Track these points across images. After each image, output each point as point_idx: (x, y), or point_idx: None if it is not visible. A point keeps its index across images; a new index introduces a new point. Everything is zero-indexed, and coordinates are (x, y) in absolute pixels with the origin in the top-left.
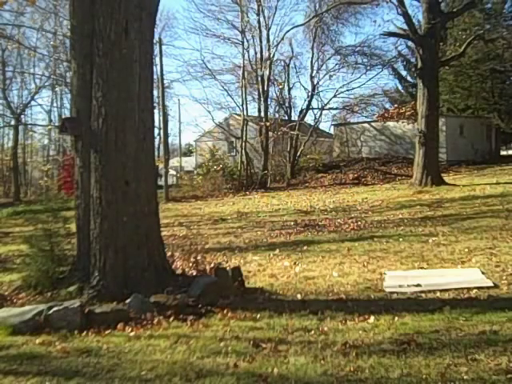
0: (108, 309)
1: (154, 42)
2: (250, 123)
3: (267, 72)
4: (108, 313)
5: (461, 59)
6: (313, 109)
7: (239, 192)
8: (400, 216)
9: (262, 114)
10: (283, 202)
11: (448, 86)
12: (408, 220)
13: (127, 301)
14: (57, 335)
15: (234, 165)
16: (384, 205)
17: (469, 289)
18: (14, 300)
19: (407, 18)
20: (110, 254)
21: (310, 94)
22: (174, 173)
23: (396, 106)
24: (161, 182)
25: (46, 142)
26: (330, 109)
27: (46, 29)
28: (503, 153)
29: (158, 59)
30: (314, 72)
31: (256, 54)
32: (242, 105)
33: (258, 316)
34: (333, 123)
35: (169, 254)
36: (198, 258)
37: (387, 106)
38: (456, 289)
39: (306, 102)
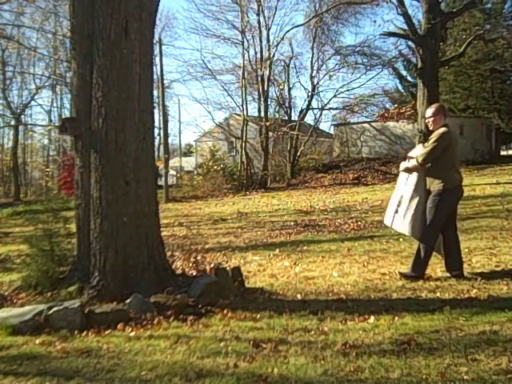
0: (108, 309)
1: (154, 42)
2: (250, 123)
3: (267, 72)
4: (108, 313)
5: (461, 59)
6: (313, 109)
7: (239, 192)
8: None
9: (262, 114)
10: (283, 202)
11: (448, 86)
12: None
13: (127, 301)
14: (57, 335)
15: (234, 165)
16: (384, 205)
17: (469, 291)
18: (14, 300)
19: (407, 18)
20: (109, 254)
21: (309, 93)
22: (174, 173)
23: (396, 106)
24: (161, 182)
25: (45, 142)
26: (330, 109)
27: (46, 29)
28: (503, 153)
29: (158, 59)
30: (314, 72)
31: (256, 53)
32: (242, 105)
33: (258, 316)
34: (333, 123)
35: (169, 254)
36: (198, 258)
37: (387, 106)
38: None
39: (306, 102)
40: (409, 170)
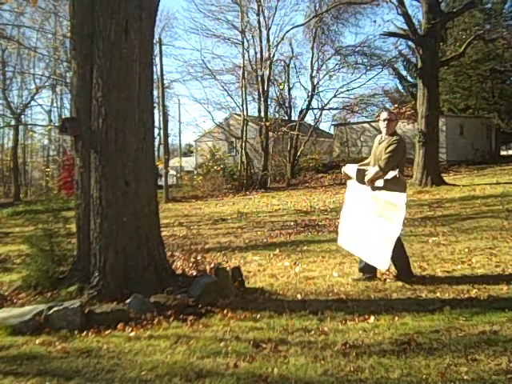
0: (108, 309)
1: (154, 41)
2: (250, 123)
3: (267, 72)
4: (108, 313)
5: (461, 59)
6: (313, 109)
7: (239, 192)
8: None
9: (262, 114)
10: (283, 202)
11: (448, 86)
12: (408, 220)
13: (127, 301)
14: (57, 335)
15: (234, 165)
16: None
17: (469, 291)
18: (14, 300)
19: (407, 18)
20: (109, 254)
21: (309, 94)
22: (174, 173)
23: (396, 105)
24: (161, 182)
25: (45, 142)
26: (330, 109)
27: (46, 29)
28: (503, 153)
29: (158, 59)
30: (314, 72)
31: (256, 54)
32: (242, 105)
33: (258, 316)
34: (333, 123)
35: (169, 254)
36: (198, 258)
37: (387, 106)
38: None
39: (306, 102)
40: (372, 181)
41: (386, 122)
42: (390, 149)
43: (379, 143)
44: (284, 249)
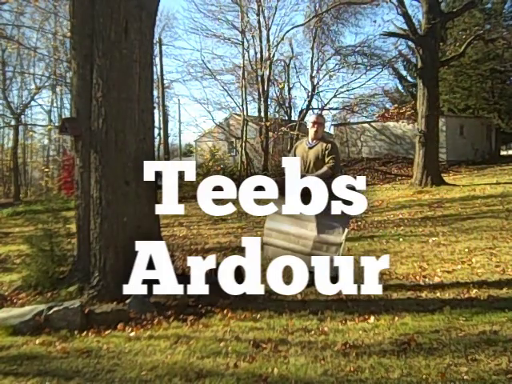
0: (108, 309)
1: (154, 42)
2: (250, 123)
3: (267, 72)
4: (108, 313)
5: (461, 59)
6: (313, 109)
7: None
8: (400, 216)
9: (262, 114)
10: None
11: (448, 85)
12: (408, 220)
13: (127, 301)
14: (57, 335)
15: (234, 165)
16: (384, 205)
17: (469, 291)
18: (14, 300)
19: (407, 18)
20: (110, 254)
21: (310, 94)
22: None
23: (396, 106)
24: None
25: (45, 142)
26: (330, 109)
27: (46, 29)
28: (503, 153)
29: (158, 59)
30: (314, 72)
31: (256, 54)
32: (242, 105)
33: (258, 316)
34: (333, 123)
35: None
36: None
37: (387, 106)
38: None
39: (306, 102)
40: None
41: (316, 125)
42: (332, 156)
43: (309, 148)
44: None
